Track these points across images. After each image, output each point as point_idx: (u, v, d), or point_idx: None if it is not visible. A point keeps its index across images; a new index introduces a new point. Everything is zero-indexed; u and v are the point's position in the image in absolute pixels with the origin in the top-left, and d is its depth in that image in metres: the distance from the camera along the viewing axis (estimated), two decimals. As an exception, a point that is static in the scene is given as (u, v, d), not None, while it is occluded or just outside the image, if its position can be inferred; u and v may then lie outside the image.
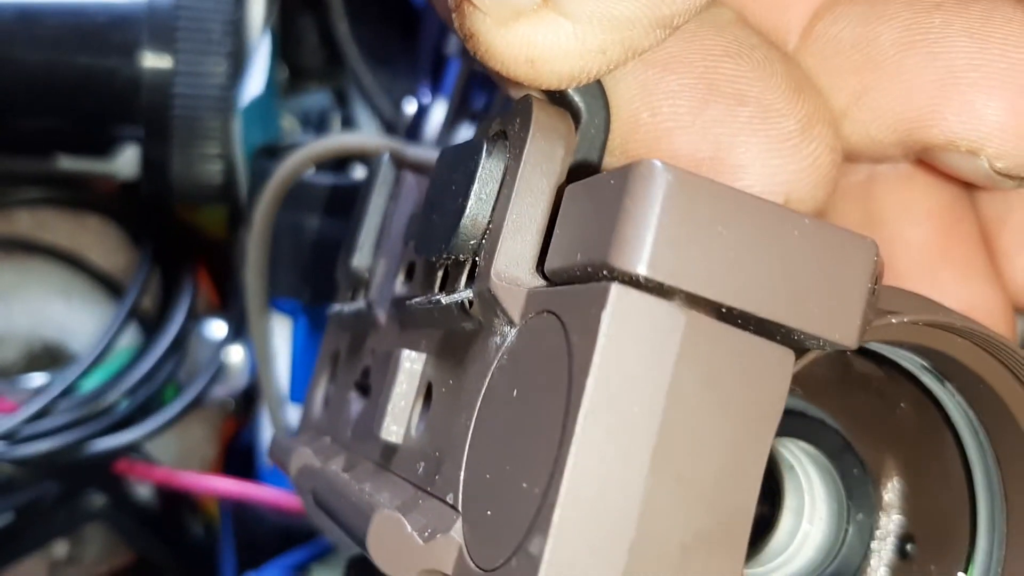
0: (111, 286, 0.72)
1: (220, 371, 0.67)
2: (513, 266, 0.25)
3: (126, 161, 0.63)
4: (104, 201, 0.73)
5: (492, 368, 0.25)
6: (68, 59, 0.60)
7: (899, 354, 0.28)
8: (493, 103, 0.55)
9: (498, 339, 0.25)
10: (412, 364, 0.29)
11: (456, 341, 0.27)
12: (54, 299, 0.73)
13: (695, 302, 0.21)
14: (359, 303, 0.36)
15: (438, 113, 0.60)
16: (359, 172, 0.63)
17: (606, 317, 0.20)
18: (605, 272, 0.21)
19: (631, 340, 0.20)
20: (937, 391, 0.29)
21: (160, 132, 0.59)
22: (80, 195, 0.72)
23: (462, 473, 0.25)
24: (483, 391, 0.25)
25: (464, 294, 0.26)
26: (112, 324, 0.66)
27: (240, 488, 0.65)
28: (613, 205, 0.21)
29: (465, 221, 0.25)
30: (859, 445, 0.30)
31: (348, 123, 0.72)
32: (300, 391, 0.62)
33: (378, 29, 0.70)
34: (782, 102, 0.26)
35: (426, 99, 0.62)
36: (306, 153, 0.49)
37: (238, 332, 0.67)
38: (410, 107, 0.61)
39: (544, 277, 0.24)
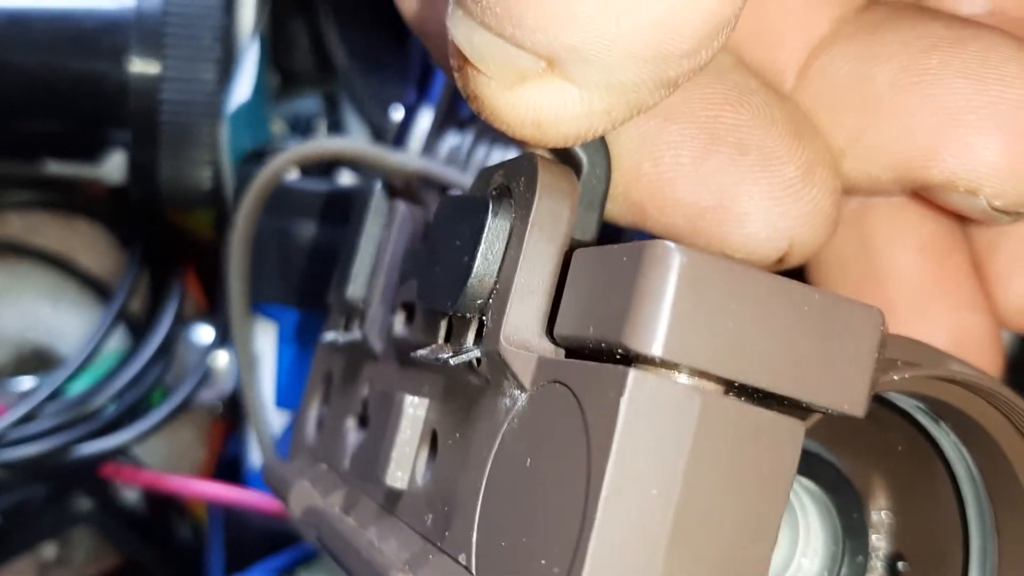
0: (101, 290, 0.72)
1: (207, 376, 0.67)
2: (522, 330, 0.25)
3: (114, 166, 0.63)
4: (95, 205, 0.73)
5: (502, 430, 0.25)
6: (56, 64, 0.60)
7: (896, 396, 0.28)
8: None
9: (507, 401, 0.25)
10: (415, 410, 0.29)
11: (461, 392, 0.27)
12: (44, 302, 0.73)
13: (708, 379, 0.21)
14: (354, 334, 0.36)
15: (426, 120, 0.60)
16: (346, 178, 0.64)
17: (624, 403, 0.20)
18: (620, 351, 0.21)
19: (648, 424, 0.20)
20: (931, 428, 0.29)
21: (148, 137, 0.59)
22: (71, 199, 0.72)
23: (474, 535, 0.25)
24: (493, 452, 0.25)
25: (472, 354, 0.26)
26: (99, 328, 0.66)
27: (227, 492, 0.65)
28: (627, 285, 0.21)
29: (472, 281, 0.25)
30: (851, 468, 0.30)
31: (338, 128, 0.73)
32: (286, 397, 0.62)
33: (369, 35, 0.71)
34: (783, 149, 0.27)
35: (413, 105, 0.62)
36: (286, 158, 0.49)
37: (225, 337, 0.67)
38: (397, 114, 0.62)
39: (553, 340, 0.24)
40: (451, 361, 0.26)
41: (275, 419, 0.63)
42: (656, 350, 0.20)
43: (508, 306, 0.24)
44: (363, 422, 0.35)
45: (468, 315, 0.26)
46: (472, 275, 0.25)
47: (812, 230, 0.27)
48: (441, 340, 0.28)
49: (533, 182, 0.25)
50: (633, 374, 0.20)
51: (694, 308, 0.20)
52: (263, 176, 0.52)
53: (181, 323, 0.69)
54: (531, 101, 0.22)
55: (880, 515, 0.30)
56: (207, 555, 0.71)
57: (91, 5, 0.60)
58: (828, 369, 0.21)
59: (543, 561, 0.21)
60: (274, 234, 0.60)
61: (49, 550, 0.71)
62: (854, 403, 0.22)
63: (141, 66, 0.59)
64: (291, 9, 0.71)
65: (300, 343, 0.62)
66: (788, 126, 0.27)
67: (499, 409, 0.25)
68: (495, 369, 0.25)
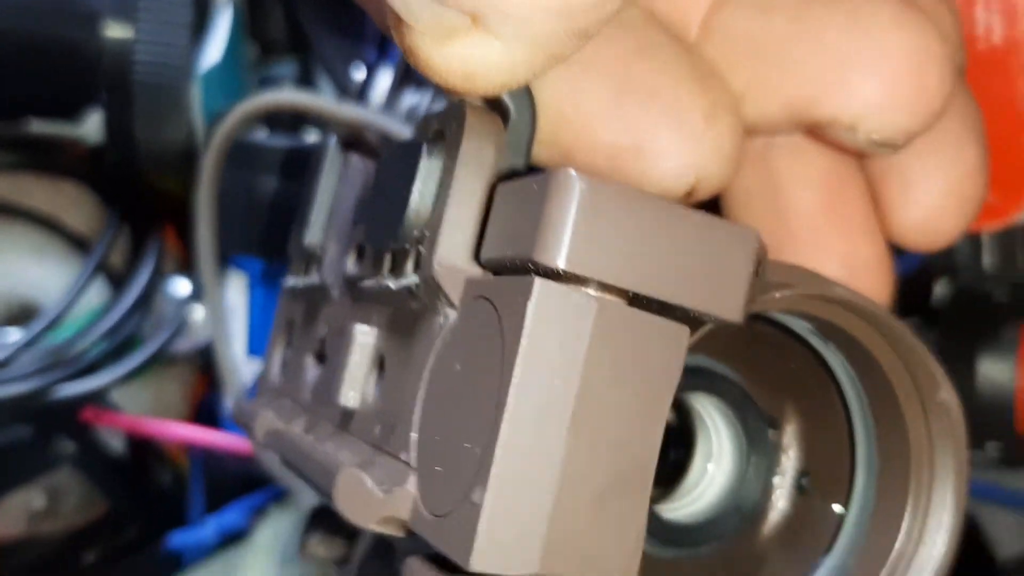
0: (85, 247, 0.74)
1: (183, 326, 0.70)
2: (453, 255, 0.27)
3: (93, 125, 0.65)
4: (79, 167, 0.75)
5: (437, 344, 0.28)
6: (36, 28, 0.62)
7: (788, 319, 0.31)
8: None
9: (441, 319, 0.28)
10: (365, 337, 0.32)
11: (404, 318, 0.30)
12: (31, 259, 0.74)
13: (606, 289, 0.24)
14: (312, 278, 0.38)
15: (386, 78, 0.62)
16: (312, 136, 0.66)
17: (531, 306, 0.23)
18: (531, 265, 0.24)
19: (552, 324, 0.23)
20: (822, 349, 0.32)
21: (123, 97, 0.62)
22: (56, 161, 0.74)
23: (413, 434, 0.28)
24: (430, 364, 0.28)
25: (411, 279, 0.29)
26: (78, 279, 0.69)
27: (200, 434, 0.67)
28: (536, 208, 0.24)
29: (408, 215, 0.28)
30: (758, 394, 0.33)
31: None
32: (257, 344, 0.65)
33: (337, 2, 0.73)
34: (688, 94, 0.29)
35: (374, 64, 0.64)
36: (242, 110, 0.52)
37: (202, 290, 0.70)
38: (360, 73, 0.64)
39: (480, 265, 0.27)
40: (392, 286, 0.29)
41: (247, 367, 0.66)
42: (560, 263, 0.23)
43: (439, 235, 0.27)
44: (321, 358, 0.38)
45: (407, 247, 0.29)
46: (408, 209, 0.28)
47: (716, 167, 0.30)
48: (386, 272, 0.31)
49: (461, 126, 0.27)
50: (538, 281, 0.23)
51: (592, 227, 0.23)
52: (222, 129, 0.55)
53: (159, 277, 0.72)
54: (460, 54, 0.24)
55: (789, 436, 0.33)
56: (188, 497, 0.74)
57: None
58: (709, 280, 0.24)
59: (466, 445, 0.24)
60: (243, 188, 0.62)
61: (38, 500, 0.73)
62: (732, 310, 0.25)
63: (116, 30, 0.61)
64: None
65: (270, 293, 0.65)
66: (693, 73, 0.30)
67: (434, 327, 0.28)
68: (430, 293, 0.28)
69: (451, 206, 0.27)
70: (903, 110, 0.29)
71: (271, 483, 0.66)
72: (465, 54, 0.24)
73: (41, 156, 0.74)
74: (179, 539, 0.68)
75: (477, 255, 0.27)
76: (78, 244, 0.75)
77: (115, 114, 0.63)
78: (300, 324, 0.40)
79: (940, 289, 0.61)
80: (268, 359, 0.43)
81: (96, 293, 0.73)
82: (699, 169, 0.30)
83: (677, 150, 0.29)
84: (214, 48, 0.64)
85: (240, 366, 0.65)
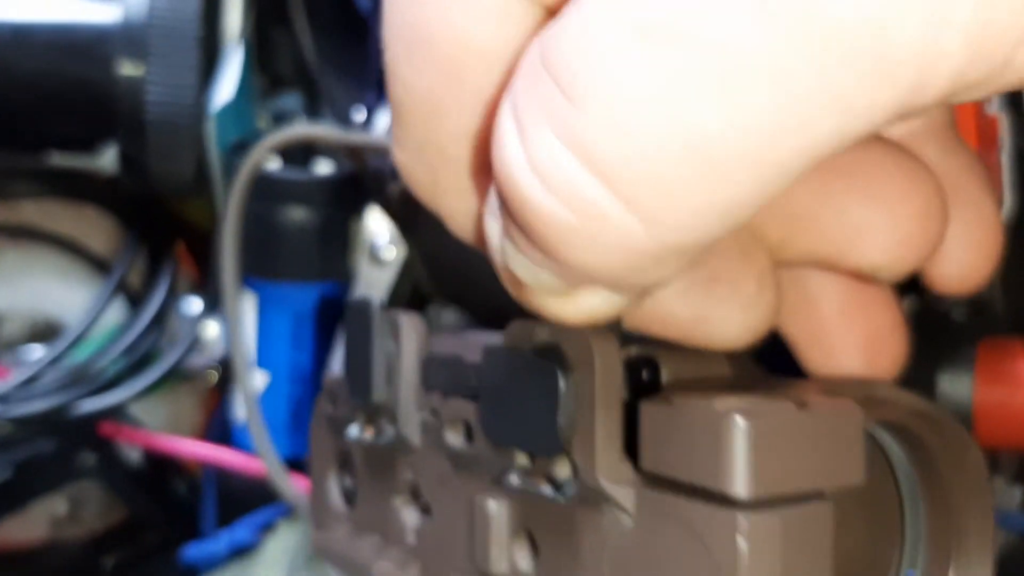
0: (106, 269, 0.78)
1: (196, 342, 0.73)
2: (612, 468, 0.30)
3: (110, 158, 0.68)
4: (99, 193, 0.78)
5: (611, 539, 0.30)
6: (56, 68, 0.65)
7: None
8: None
9: (609, 519, 0.30)
10: (499, 511, 0.34)
11: (546, 504, 0.32)
12: (55, 280, 0.78)
13: (778, 500, 0.27)
14: (386, 431, 0.39)
15: (385, 119, 0.65)
16: (323, 167, 0.70)
17: (741, 539, 0.26)
18: (716, 493, 0.27)
19: (753, 543, 0.27)
20: (879, 436, 0.35)
21: (136, 132, 0.65)
22: (80, 188, 0.78)
23: None
24: (606, 560, 0.31)
25: (572, 488, 0.31)
26: (100, 298, 0.72)
27: (209, 451, 0.70)
28: (711, 445, 0.27)
29: (560, 433, 0.30)
30: None
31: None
32: (264, 357, 0.69)
33: (340, 41, 0.76)
34: (739, 271, 0.33)
35: (374, 107, 0.67)
36: (266, 145, 0.54)
37: (213, 307, 0.73)
38: (360, 114, 0.67)
39: (638, 472, 0.30)
40: (560, 500, 0.32)
41: (256, 379, 0.68)
42: (745, 495, 0.26)
43: (596, 448, 0.30)
44: (416, 500, 0.39)
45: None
46: (560, 428, 0.30)
47: (767, 320, 0.34)
48: (526, 467, 0.33)
49: (589, 351, 0.30)
50: (741, 515, 0.27)
51: (760, 454, 0.27)
52: (247, 164, 0.57)
53: (174, 296, 0.75)
54: (579, 305, 0.28)
55: None
56: (201, 509, 0.77)
57: (85, 18, 0.66)
58: (839, 461, 0.28)
59: None
60: (255, 216, 0.65)
61: (61, 507, 0.76)
62: (856, 477, 0.28)
63: (128, 70, 0.64)
64: (272, 18, 0.76)
65: (275, 310, 0.68)
66: (741, 254, 0.34)
67: (600, 522, 0.31)
68: (592, 495, 0.30)
69: (599, 423, 0.30)
70: (914, 256, 0.34)
71: (279, 500, 0.68)
72: (584, 304, 0.28)
73: (65, 184, 0.77)
74: (193, 551, 0.70)
75: (633, 463, 0.30)
76: (98, 265, 0.78)
77: (130, 148, 0.66)
78: (366, 463, 0.42)
79: (907, 306, 0.63)
80: (319, 486, 0.44)
81: (114, 312, 0.76)
82: (755, 327, 0.34)
83: (736, 318, 0.33)
84: (227, 86, 0.67)
85: (255, 379, 0.68)
